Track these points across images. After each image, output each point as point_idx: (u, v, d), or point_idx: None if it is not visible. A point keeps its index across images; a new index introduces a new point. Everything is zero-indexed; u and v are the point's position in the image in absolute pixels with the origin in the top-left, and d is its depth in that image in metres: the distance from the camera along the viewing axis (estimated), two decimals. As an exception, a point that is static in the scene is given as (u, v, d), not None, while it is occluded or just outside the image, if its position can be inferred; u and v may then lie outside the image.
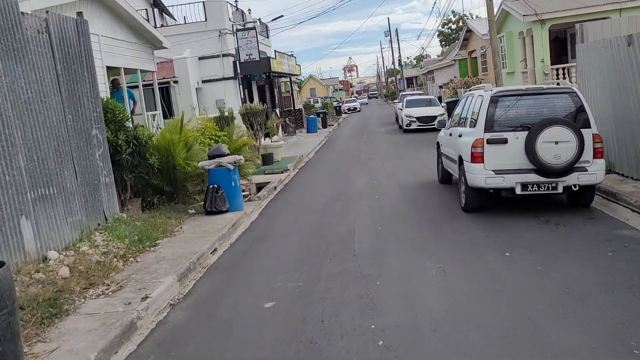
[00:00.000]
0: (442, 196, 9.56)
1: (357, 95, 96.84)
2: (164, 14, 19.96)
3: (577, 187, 7.38)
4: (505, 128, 7.51)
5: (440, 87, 38.79)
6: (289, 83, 31.72)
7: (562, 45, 20.93)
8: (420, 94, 32.97)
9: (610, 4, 17.85)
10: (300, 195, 11.37)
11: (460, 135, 8.56)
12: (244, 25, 19.05)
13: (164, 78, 17.44)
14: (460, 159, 8.26)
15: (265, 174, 14.71)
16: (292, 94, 31.34)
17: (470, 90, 9.88)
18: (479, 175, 7.57)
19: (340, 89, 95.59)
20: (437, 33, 70.73)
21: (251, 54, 17.67)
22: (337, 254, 6.66)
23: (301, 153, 19.04)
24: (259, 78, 20.89)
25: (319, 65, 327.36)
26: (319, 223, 8.47)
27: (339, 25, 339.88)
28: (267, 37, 25.57)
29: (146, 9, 18.42)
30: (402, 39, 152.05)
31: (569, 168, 7.26)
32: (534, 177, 7.38)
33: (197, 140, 10.84)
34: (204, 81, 18.53)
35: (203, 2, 18.15)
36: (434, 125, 23.47)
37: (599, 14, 17.72)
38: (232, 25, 17.86)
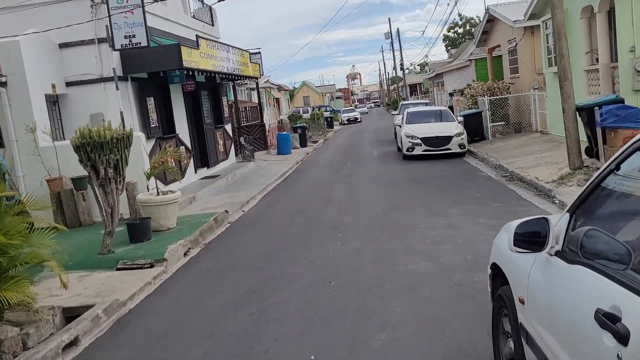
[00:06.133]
0: None
1: (358, 103, 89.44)
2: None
3: None
4: None
5: (451, 94, 31.19)
6: (264, 89, 24.28)
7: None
8: (426, 104, 25.42)
9: None
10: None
11: None
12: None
13: (-17, 78, 10.03)
14: None
15: (118, 269, 7.25)
16: (260, 103, 23.82)
17: None
18: None
19: (338, 97, 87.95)
20: (442, 38, 63.33)
21: (133, 36, 10.21)
22: None
23: (235, 200, 11.61)
24: (181, 80, 13.36)
25: (321, 74, 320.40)
26: None
27: (342, 33, 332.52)
28: (212, 25, 18.20)
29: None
30: (405, 47, 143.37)
31: None
32: None
33: None
34: (68, 84, 11.12)
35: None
36: (448, 149, 15.96)
37: None
38: (100, -15, 10.40)
